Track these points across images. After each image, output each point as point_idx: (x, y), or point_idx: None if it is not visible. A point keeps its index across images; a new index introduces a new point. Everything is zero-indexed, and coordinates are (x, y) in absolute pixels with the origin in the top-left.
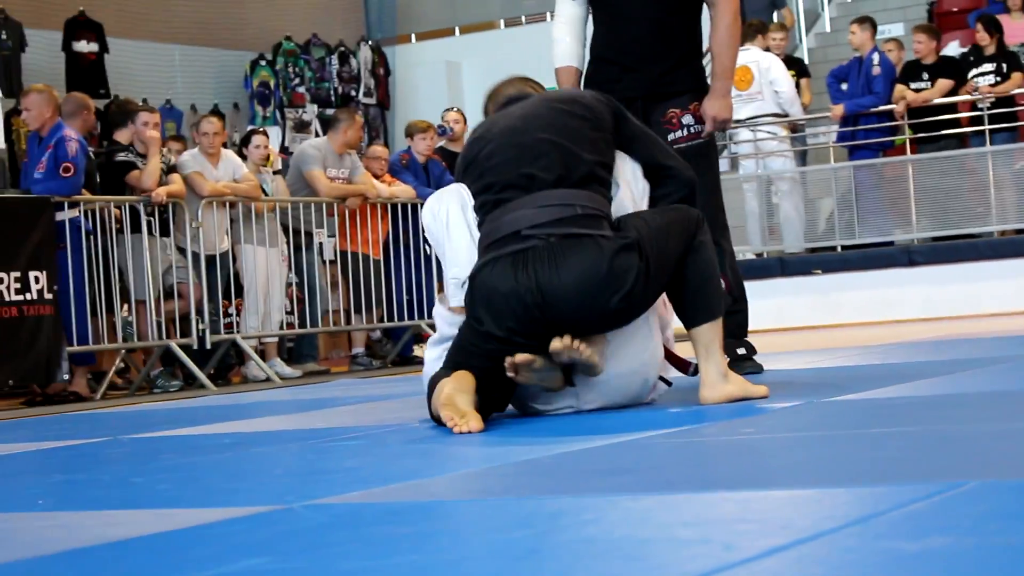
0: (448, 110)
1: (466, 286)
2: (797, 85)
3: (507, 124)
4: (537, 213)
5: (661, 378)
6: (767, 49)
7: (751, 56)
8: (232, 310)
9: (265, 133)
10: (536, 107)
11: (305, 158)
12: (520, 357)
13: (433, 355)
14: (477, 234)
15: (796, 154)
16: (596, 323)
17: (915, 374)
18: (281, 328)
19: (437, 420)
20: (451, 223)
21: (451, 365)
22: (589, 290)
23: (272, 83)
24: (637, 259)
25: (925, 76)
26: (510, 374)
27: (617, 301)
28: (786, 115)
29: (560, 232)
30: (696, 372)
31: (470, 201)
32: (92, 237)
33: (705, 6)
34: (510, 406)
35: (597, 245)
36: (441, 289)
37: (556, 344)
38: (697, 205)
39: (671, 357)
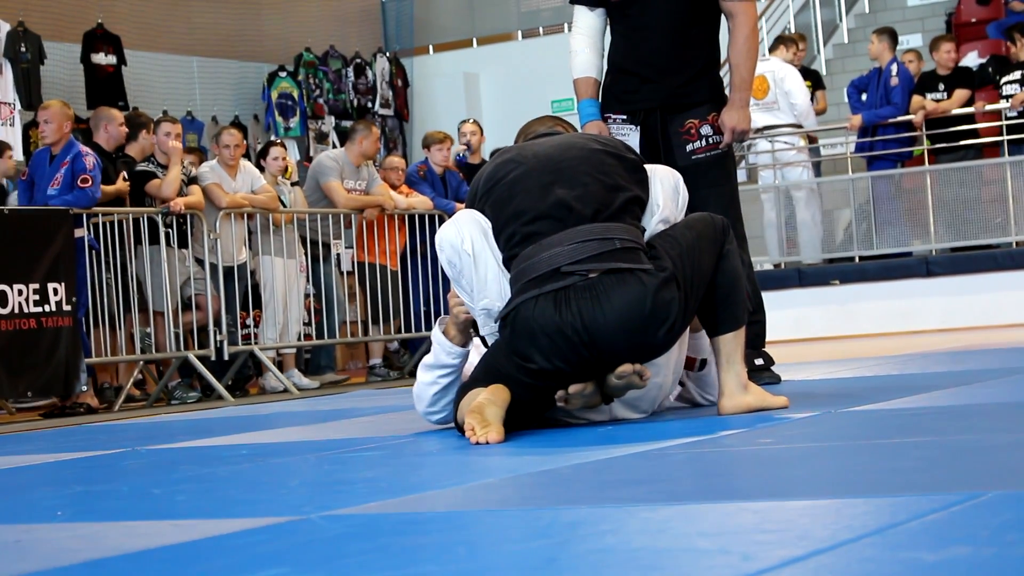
0: (464, 121)
1: (497, 319)
2: (813, 96)
3: (542, 151)
4: (576, 249)
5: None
6: (790, 60)
7: (768, 66)
8: (250, 321)
9: (283, 145)
10: (572, 140)
11: (323, 169)
12: (573, 388)
13: (426, 379)
14: (501, 262)
15: (813, 164)
16: (644, 356)
17: (933, 385)
18: (299, 339)
19: (460, 428)
20: (477, 253)
21: (484, 380)
22: (635, 327)
23: (296, 94)
24: (676, 290)
25: (941, 87)
26: (560, 404)
27: (663, 335)
28: (801, 126)
29: (601, 267)
30: (703, 367)
31: (488, 227)
32: (111, 249)
33: (724, 17)
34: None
35: (640, 281)
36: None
37: (626, 368)
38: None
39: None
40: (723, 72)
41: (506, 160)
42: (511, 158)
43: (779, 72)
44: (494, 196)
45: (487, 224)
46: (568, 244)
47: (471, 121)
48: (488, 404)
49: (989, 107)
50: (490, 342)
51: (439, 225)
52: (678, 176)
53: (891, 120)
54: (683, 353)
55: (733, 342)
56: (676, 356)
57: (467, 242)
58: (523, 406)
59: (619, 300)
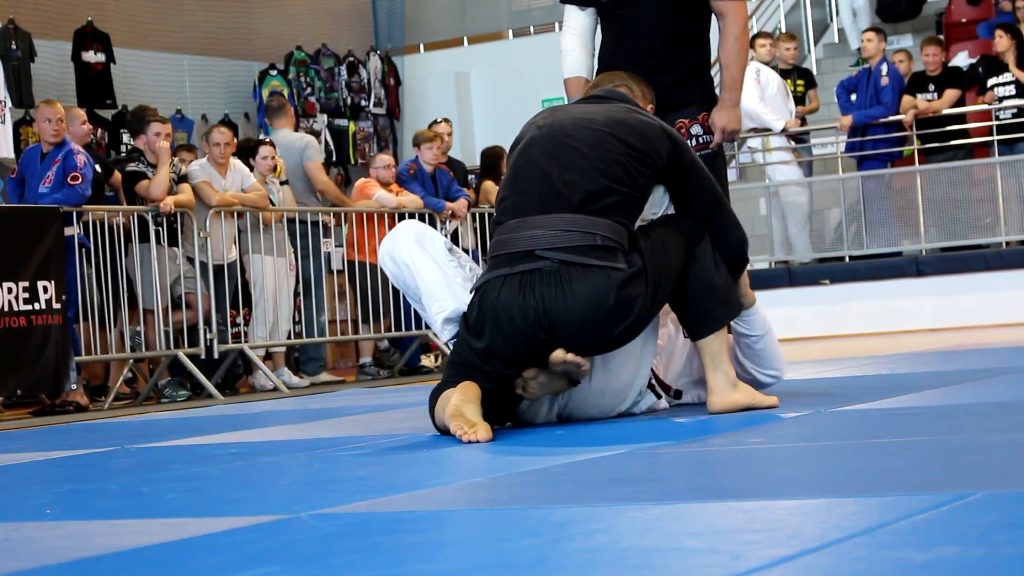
0: (436, 121)
1: (455, 319)
2: (805, 96)
3: (562, 119)
4: (557, 236)
5: (654, 388)
6: (770, 60)
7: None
8: (240, 320)
9: (272, 144)
10: (594, 118)
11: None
12: (528, 372)
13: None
14: (444, 261)
15: (802, 164)
16: (599, 348)
17: (923, 384)
18: (288, 338)
19: (443, 431)
20: (415, 262)
21: (452, 379)
22: (595, 319)
23: (286, 92)
24: (643, 286)
25: (931, 87)
26: (519, 391)
27: (621, 330)
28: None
29: (573, 260)
30: (678, 396)
31: (427, 233)
32: (101, 247)
33: (714, 17)
34: None
35: (606, 275)
36: None
37: (557, 355)
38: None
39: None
40: (714, 72)
41: (535, 120)
42: (539, 119)
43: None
44: (512, 154)
45: (422, 230)
46: (551, 229)
47: (442, 121)
48: (464, 404)
49: (983, 107)
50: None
51: (429, 224)
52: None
53: (881, 120)
54: (648, 368)
55: (716, 341)
56: (641, 358)
57: (403, 252)
58: (492, 398)
59: (583, 290)
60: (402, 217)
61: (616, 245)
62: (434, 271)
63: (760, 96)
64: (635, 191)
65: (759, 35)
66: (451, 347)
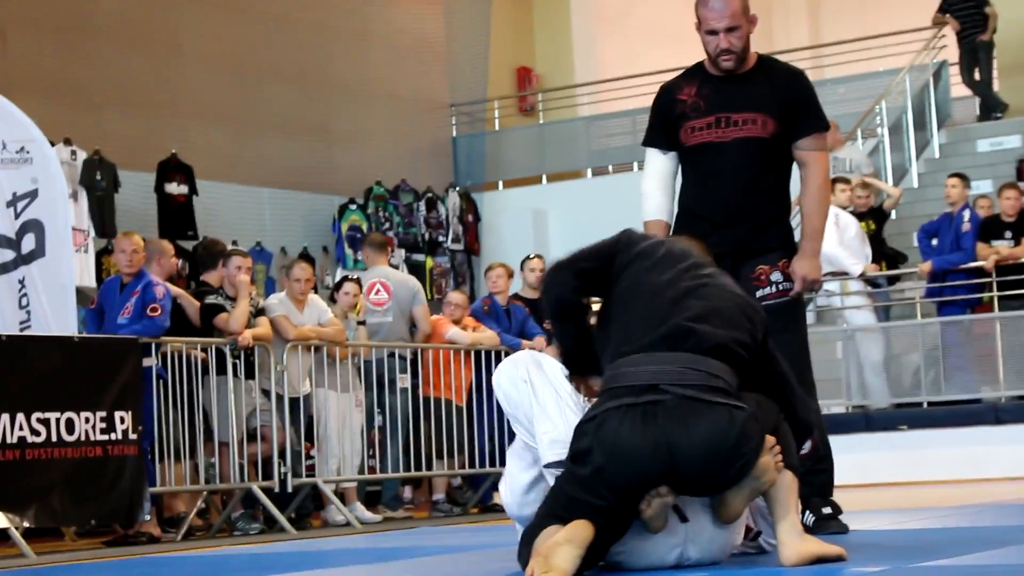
0: (529, 257)
1: (564, 442)
2: (879, 233)
3: (694, 259)
4: (684, 373)
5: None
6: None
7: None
8: (314, 452)
9: (358, 281)
10: (720, 272)
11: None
12: (662, 488)
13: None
14: (560, 385)
15: (879, 308)
16: (714, 486)
17: (1006, 539)
18: (361, 472)
19: (525, 563)
20: (535, 383)
21: (552, 515)
22: (716, 456)
23: (365, 227)
24: (758, 430)
25: (1008, 234)
26: (644, 507)
27: (736, 470)
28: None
29: (698, 396)
30: (756, 538)
31: (546, 359)
32: (178, 379)
33: (796, 165)
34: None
35: (729, 413)
36: None
37: (662, 490)
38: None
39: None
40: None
41: (660, 243)
42: (667, 247)
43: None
44: (637, 264)
45: (541, 356)
46: (678, 366)
47: (536, 257)
48: (564, 543)
49: None
50: (548, 476)
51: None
52: None
53: (962, 266)
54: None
55: (787, 489)
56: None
57: (523, 372)
58: (599, 533)
59: (705, 426)
60: (477, 355)
61: (732, 391)
62: (551, 394)
63: (839, 240)
64: (747, 355)
65: (838, 180)
66: (549, 472)
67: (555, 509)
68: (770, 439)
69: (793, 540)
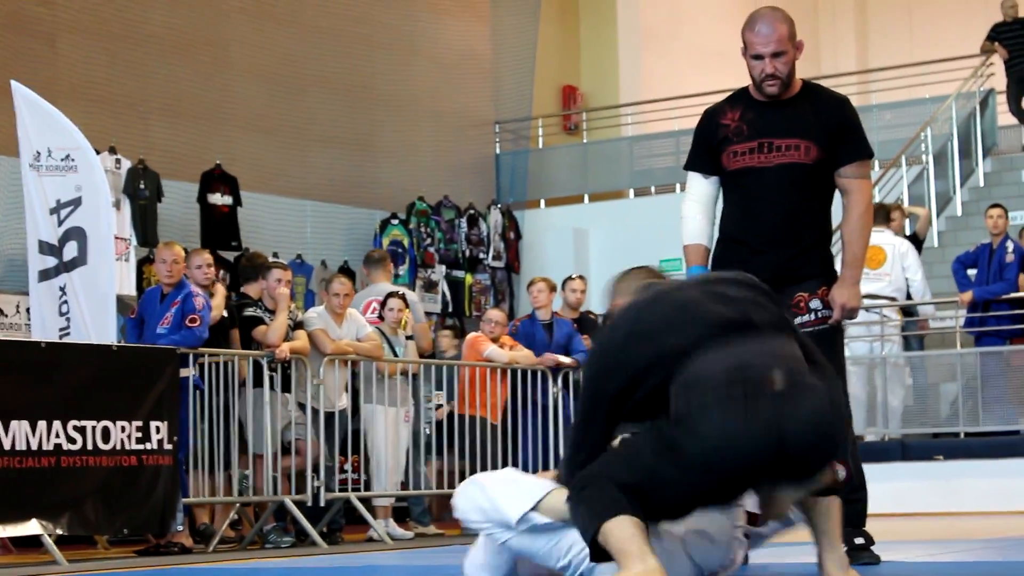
0: (571, 278)
1: (534, 512)
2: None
3: (708, 289)
4: (785, 362)
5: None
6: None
7: (885, 238)
8: (348, 467)
9: (403, 297)
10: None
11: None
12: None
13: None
14: (519, 476)
15: (910, 337)
16: (816, 466)
17: None
18: (396, 489)
19: (592, 542)
20: (486, 486)
21: (631, 491)
22: (824, 430)
23: (406, 242)
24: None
25: None
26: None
27: (841, 441)
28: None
29: (800, 373)
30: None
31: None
32: (215, 390)
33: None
34: None
35: (823, 386)
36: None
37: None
38: None
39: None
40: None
41: (657, 298)
42: (664, 294)
43: (900, 247)
44: (660, 305)
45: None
46: (773, 355)
47: (578, 277)
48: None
49: None
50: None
51: (541, 380)
52: None
53: (1004, 297)
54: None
55: (835, 521)
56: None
57: (472, 490)
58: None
59: (810, 398)
60: (513, 373)
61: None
62: (504, 479)
63: (918, 269)
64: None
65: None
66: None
67: (633, 478)
68: None
69: (840, 573)
